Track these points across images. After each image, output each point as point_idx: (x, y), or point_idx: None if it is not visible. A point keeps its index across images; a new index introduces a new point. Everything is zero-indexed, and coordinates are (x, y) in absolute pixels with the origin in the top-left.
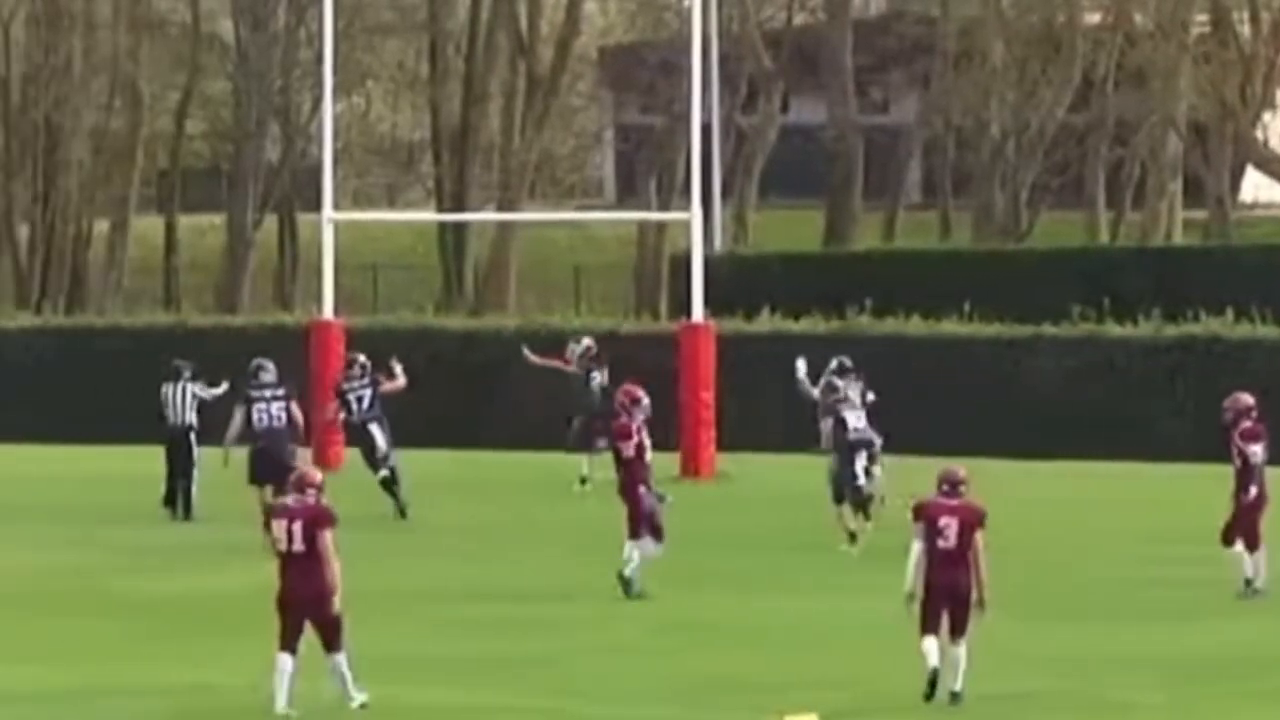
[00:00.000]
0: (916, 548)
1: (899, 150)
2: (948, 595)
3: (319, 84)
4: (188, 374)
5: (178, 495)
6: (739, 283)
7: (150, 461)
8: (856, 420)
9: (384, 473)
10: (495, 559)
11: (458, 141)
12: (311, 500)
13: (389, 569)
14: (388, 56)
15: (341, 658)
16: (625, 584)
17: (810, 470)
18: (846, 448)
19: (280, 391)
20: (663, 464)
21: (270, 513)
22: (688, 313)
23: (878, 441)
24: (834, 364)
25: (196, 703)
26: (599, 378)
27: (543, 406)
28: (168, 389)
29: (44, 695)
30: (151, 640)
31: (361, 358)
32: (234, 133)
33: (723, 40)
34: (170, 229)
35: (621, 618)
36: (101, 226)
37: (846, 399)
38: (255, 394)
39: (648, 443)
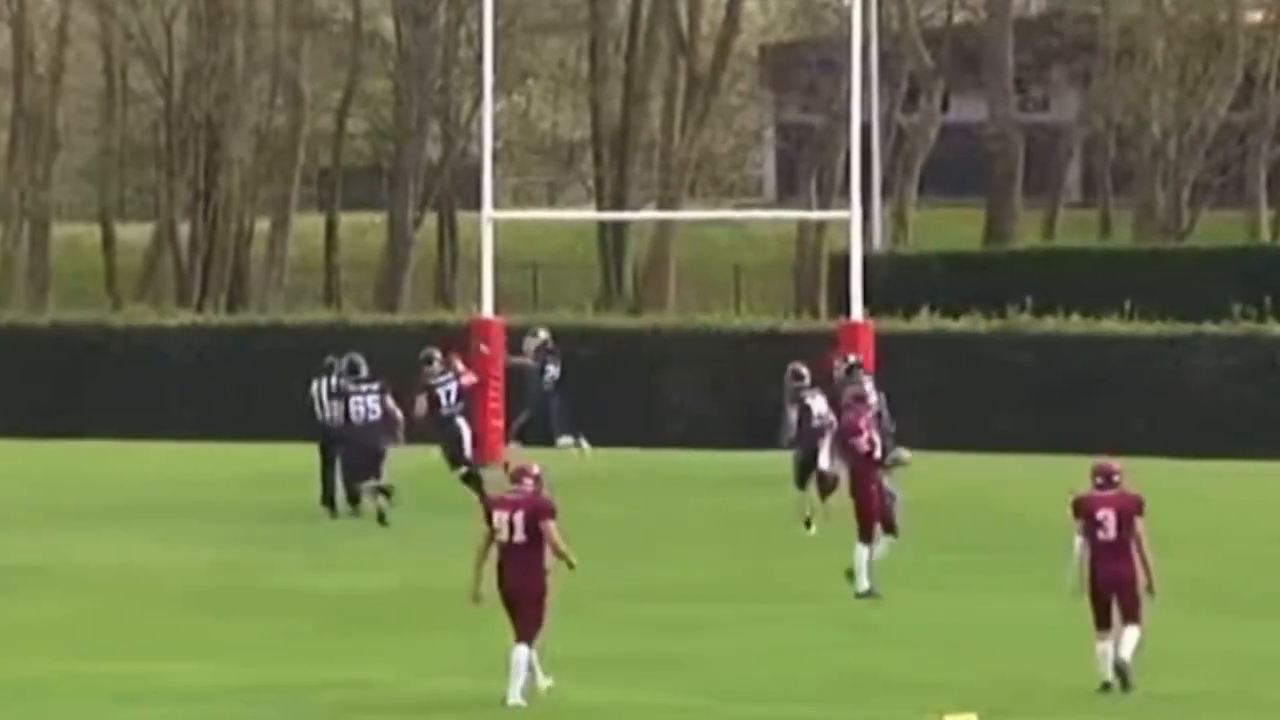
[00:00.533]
0: (1078, 543)
1: (1059, 148)
2: (1113, 585)
3: (479, 82)
4: (339, 370)
5: (334, 492)
6: (898, 281)
7: (312, 459)
8: (820, 408)
9: (463, 469)
10: (652, 557)
11: (618, 140)
12: (530, 491)
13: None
14: (548, 55)
15: (528, 650)
16: (854, 580)
17: (962, 468)
18: (810, 434)
19: (375, 385)
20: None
21: (490, 504)
22: (847, 311)
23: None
24: (844, 362)
25: (358, 698)
26: (553, 371)
27: (705, 404)
28: (319, 385)
29: (208, 692)
30: (313, 637)
31: (437, 352)
32: (395, 131)
33: (883, 38)
34: (331, 227)
35: (774, 618)
36: (263, 225)
37: (812, 388)
38: (351, 388)
39: (877, 439)
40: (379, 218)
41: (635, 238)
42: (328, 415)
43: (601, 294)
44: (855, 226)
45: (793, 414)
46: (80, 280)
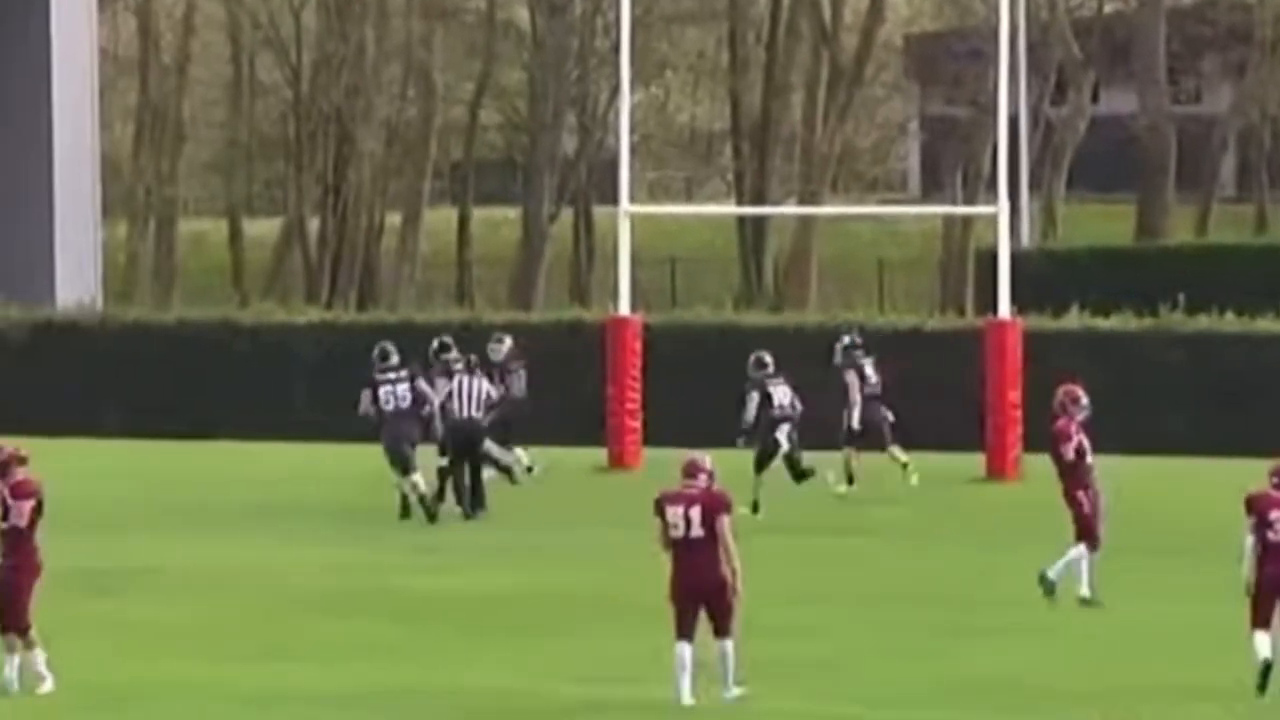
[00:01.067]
0: (1249, 541)
1: (1213, 141)
2: (1277, 587)
3: (616, 73)
4: (460, 367)
5: (462, 491)
6: (1047, 278)
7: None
8: (782, 397)
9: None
10: (796, 561)
11: (758, 133)
12: (704, 485)
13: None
14: (687, 45)
15: (730, 644)
16: (1044, 583)
17: (1116, 470)
18: (770, 422)
19: (404, 373)
20: (968, 465)
21: (664, 500)
22: (994, 309)
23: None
24: (845, 339)
25: (486, 704)
26: (520, 377)
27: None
28: (446, 384)
29: (339, 697)
30: (440, 640)
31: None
32: (529, 124)
33: (1031, 28)
34: (463, 222)
35: (907, 624)
36: (393, 219)
37: (776, 376)
38: (380, 376)
39: (1087, 445)
40: (513, 212)
41: (776, 233)
42: (459, 414)
43: (741, 291)
44: (1003, 222)
45: (754, 402)
46: (206, 277)
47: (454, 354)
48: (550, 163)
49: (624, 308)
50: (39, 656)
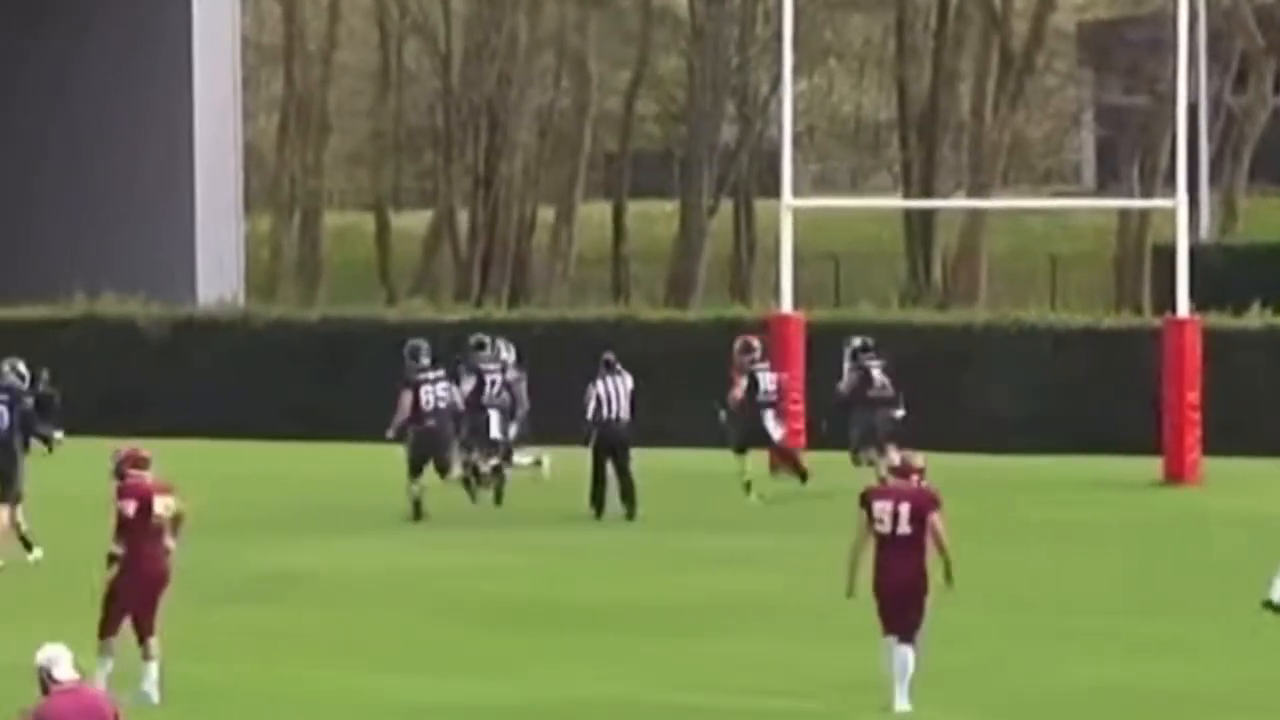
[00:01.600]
0: None
1: None
2: None
3: (778, 61)
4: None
5: (604, 495)
6: (1227, 274)
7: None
8: (768, 383)
9: (493, 462)
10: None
11: (925, 123)
12: (916, 482)
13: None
14: (852, 32)
15: (912, 653)
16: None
17: None
18: (756, 406)
19: (440, 373)
20: (1145, 468)
21: (871, 494)
22: (1172, 307)
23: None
24: (856, 342)
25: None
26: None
27: (1017, 406)
28: (598, 385)
29: (484, 710)
30: (585, 650)
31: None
32: (687, 114)
33: (1211, 15)
34: (618, 216)
35: (1061, 632)
36: (546, 213)
37: (763, 360)
38: (419, 377)
39: None
40: (670, 206)
41: (944, 227)
42: (611, 414)
43: (907, 288)
44: (1181, 216)
45: (741, 386)
46: (352, 273)
47: (487, 352)
48: (709, 154)
49: (785, 305)
50: (152, 670)
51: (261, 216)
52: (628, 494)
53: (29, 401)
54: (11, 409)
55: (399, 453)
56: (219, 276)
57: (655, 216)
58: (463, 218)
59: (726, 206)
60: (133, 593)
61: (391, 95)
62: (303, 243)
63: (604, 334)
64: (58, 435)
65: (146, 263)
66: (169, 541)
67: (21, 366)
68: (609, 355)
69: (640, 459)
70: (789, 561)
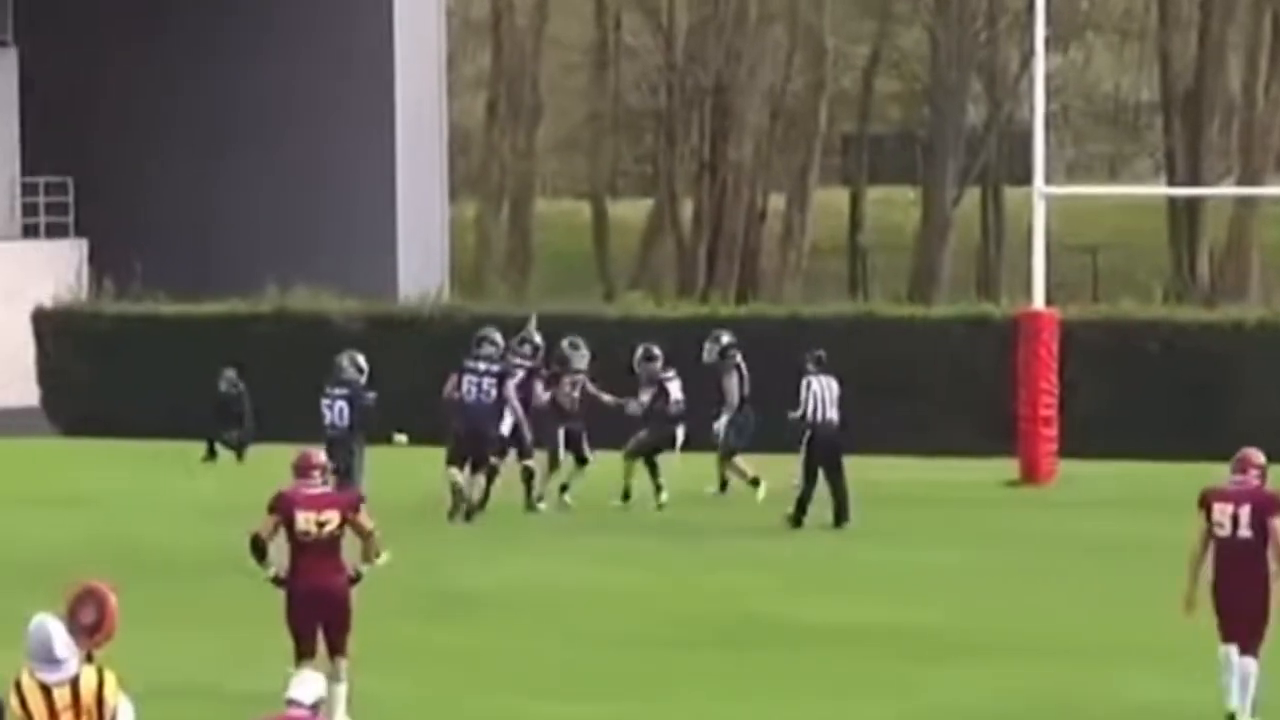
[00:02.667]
0: None
1: None
2: None
3: (1030, 35)
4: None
5: (808, 504)
6: None
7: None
8: (677, 393)
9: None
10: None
11: (1191, 103)
12: (1255, 482)
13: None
14: (1111, 4)
15: (1254, 663)
16: None
17: None
18: (664, 418)
19: (495, 368)
20: None
21: (1210, 495)
22: None
23: None
24: (724, 339)
25: None
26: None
27: None
28: (811, 384)
29: None
30: (825, 671)
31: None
32: (931, 93)
33: None
34: (855, 203)
35: None
36: (777, 201)
37: (666, 368)
38: (469, 364)
39: None
40: (912, 193)
41: (1211, 217)
42: (821, 416)
43: (1171, 282)
44: None
45: (646, 395)
46: (566, 265)
47: (583, 351)
48: (954, 137)
49: (1038, 301)
50: (339, 693)
51: (468, 204)
52: (841, 503)
53: (370, 397)
54: (352, 405)
55: (597, 457)
56: (422, 269)
57: (895, 204)
58: (686, 206)
59: (973, 194)
60: (292, 614)
61: (609, 73)
62: (512, 232)
63: (840, 332)
64: (238, 438)
65: (343, 253)
66: (344, 559)
67: (361, 360)
68: (820, 352)
69: (884, 469)
70: (1017, 580)
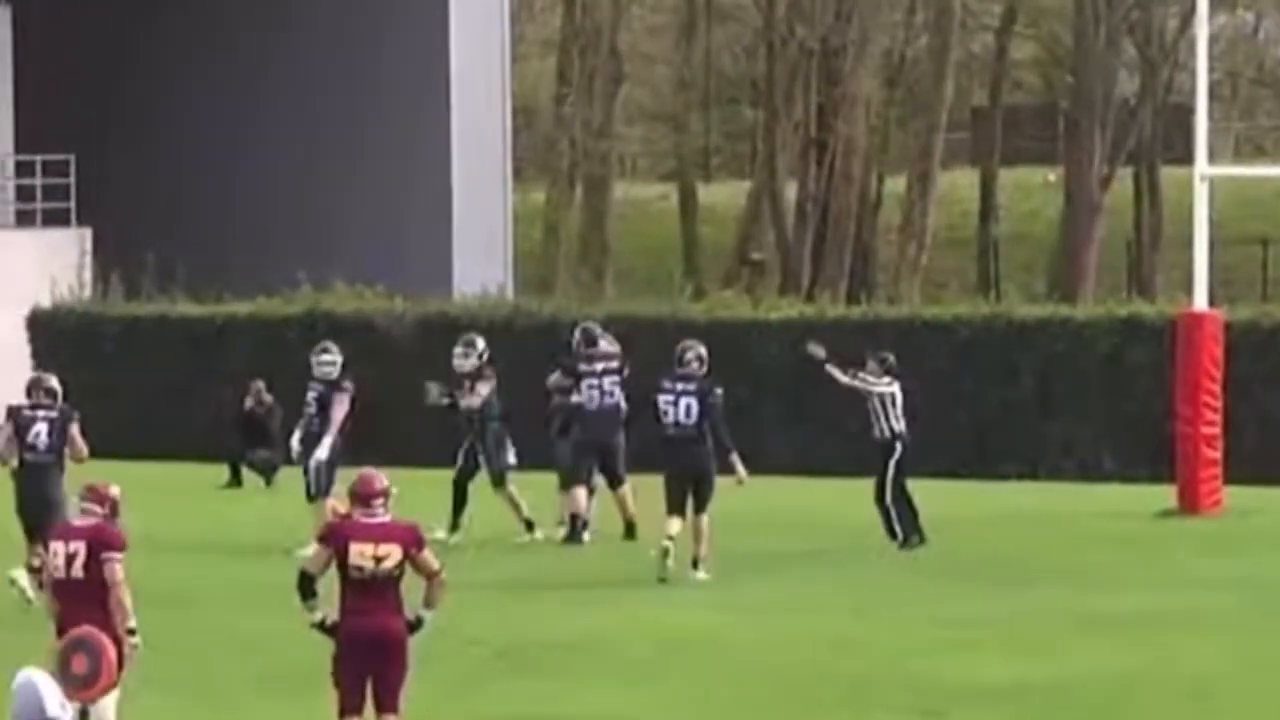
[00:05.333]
0: None
1: None
2: None
3: None
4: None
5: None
6: None
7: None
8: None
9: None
10: None
11: None
12: None
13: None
14: None
15: None
16: None
17: None
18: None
19: (615, 364)
20: None
21: None
22: None
23: None
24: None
25: None
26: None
27: None
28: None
29: None
30: None
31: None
32: (1074, 58)
33: None
34: (987, 188)
35: None
36: (895, 184)
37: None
38: (586, 367)
39: None
40: (1053, 175)
41: None
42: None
43: None
44: None
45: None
46: (648, 258)
47: (602, 346)
48: (1102, 110)
49: (1199, 300)
50: None
51: (534, 188)
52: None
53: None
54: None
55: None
56: (481, 263)
57: (1033, 188)
58: (789, 190)
59: (1124, 176)
60: (339, 662)
61: (699, 35)
62: (586, 221)
63: (968, 336)
64: (267, 461)
65: (391, 246)
66: (404, 601)
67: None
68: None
69: (1017, 494)
70: (1222, 623)
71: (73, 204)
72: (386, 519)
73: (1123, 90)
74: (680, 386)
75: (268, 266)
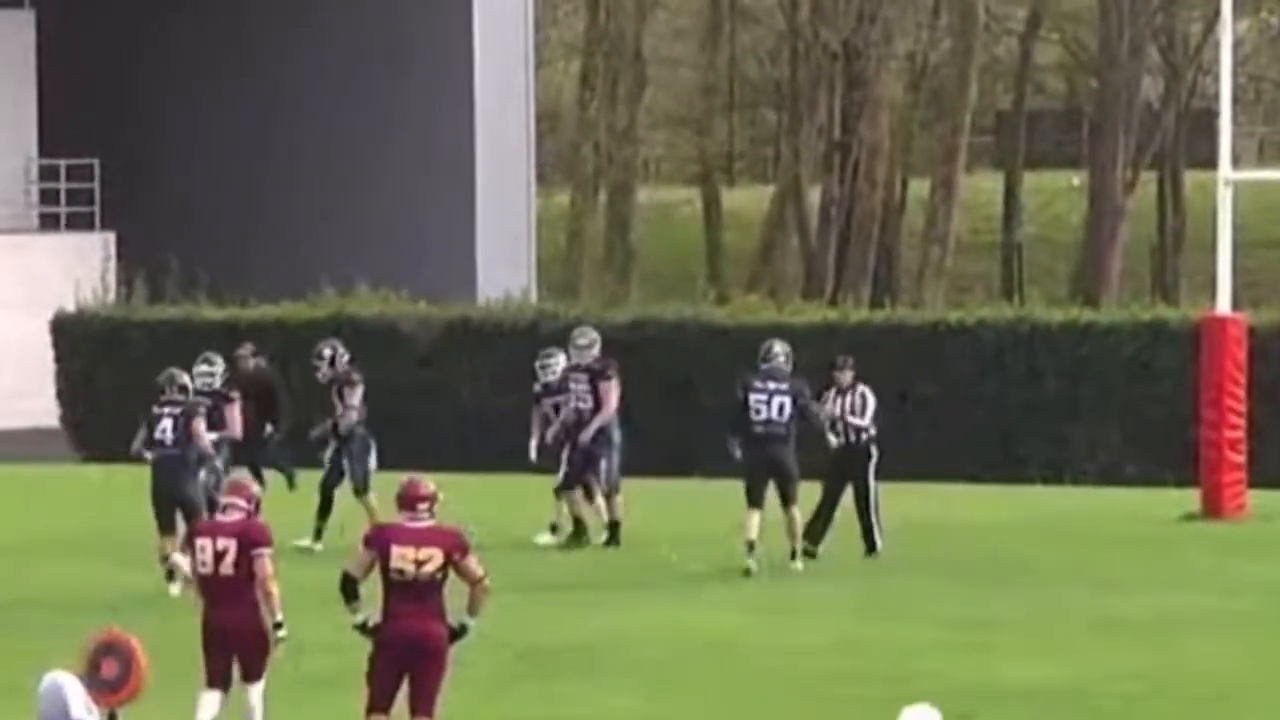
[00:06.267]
0: None
1: None
2: None
3: None
4: None
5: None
6: None
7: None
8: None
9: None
10: None
11: None
12: None
13: None
14: None
15: None
16: None
17: None
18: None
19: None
20: None
21: None
22: None
23: None
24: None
25: None
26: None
27: None
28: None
29: None
30: None
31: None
32: (1098, 62)
33: None
34: (1010, 191)
35: None
36: (919, 188)
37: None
38: (758, 384)
39: None
40: (1077, 179)
41: None
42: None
43: None
44: None
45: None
46: (672, 261)
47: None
48: (1126, 114)
49: (1223, 304)
50: None
51: (558, 191)
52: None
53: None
54: None
55: (728, 489)
56: (504, 267)
57: (1057, 192)
58: (813, 194)
59: (1148, 180)
60: (375, 663)
61: (724, 40)
62: (610, 225)
63: (992, 340)
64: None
65: (412, 250)
66: (446, 607)
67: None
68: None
69: (1042, 498)
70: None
71: (97, 208)
72: (430, 524)
73: (1147, 94)
74: (773, 386)
75: (291, 271)
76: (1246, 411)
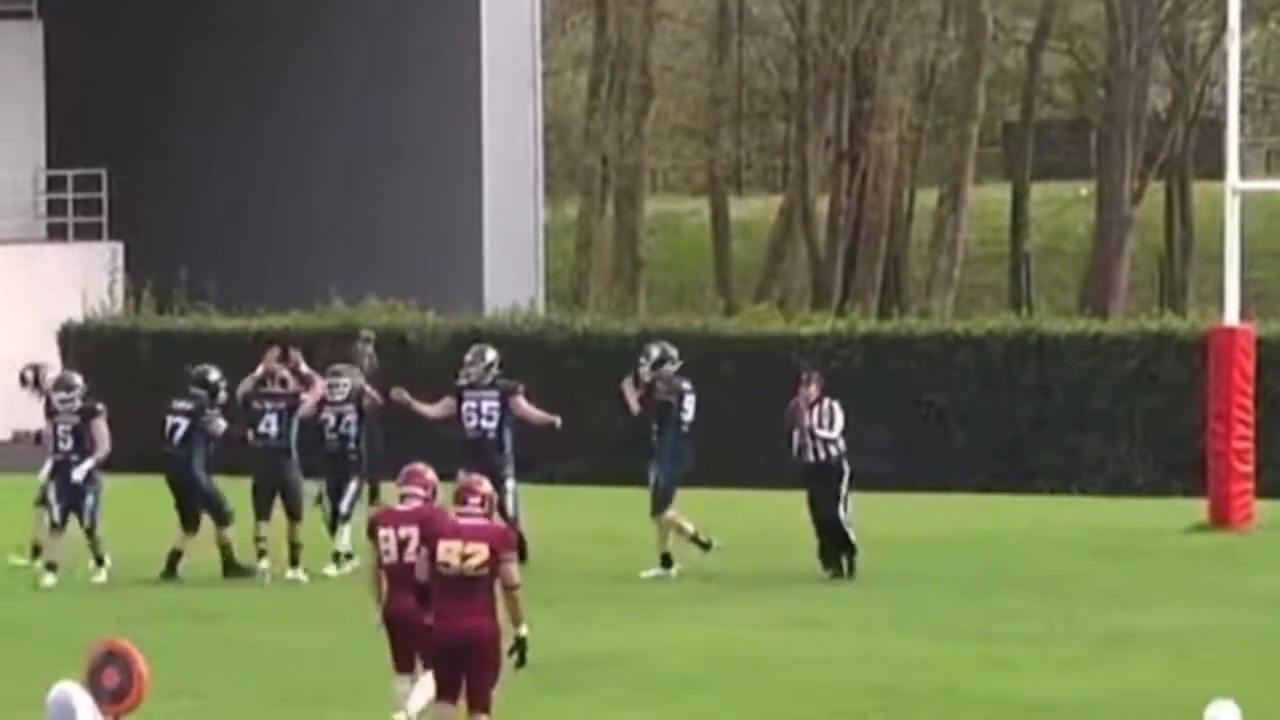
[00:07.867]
0: None
1: None
2: None
3: (1223, 6)
4: None
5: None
6: None
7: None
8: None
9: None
10: None
11: None
12: None
13: None
14: None
15: None
16: None
17: None
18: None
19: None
20: None
21: None
22: None
23: None
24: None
25: None
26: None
27: None
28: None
29: None
30: None
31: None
32: (1107, 73)
33: None
34: (1018, 202)
35: None
36: (927, 198)
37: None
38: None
39: None
40: (1085, 189)
41: None
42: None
43: None
44: None
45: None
46: (680, 272)
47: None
48: (1134, 124)
49: (1231, 314)
50: None
51: (566, 202)
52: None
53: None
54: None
55: (731, 499)
56: (513, 277)
57: (1065, 202)
58: (821, 204)
59: (1155, 190)
60: (435, 663)
61: (731, 50)
62: (618, 236)
63: (1000, 351)
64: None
65: (421, 260)
66: (492, 603)
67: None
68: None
69: (1050, 508)
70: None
71: (105, 218)
72: (480, 520)
73: (1154, 105)
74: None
75: (300, 281)
76: (1254, 422)
